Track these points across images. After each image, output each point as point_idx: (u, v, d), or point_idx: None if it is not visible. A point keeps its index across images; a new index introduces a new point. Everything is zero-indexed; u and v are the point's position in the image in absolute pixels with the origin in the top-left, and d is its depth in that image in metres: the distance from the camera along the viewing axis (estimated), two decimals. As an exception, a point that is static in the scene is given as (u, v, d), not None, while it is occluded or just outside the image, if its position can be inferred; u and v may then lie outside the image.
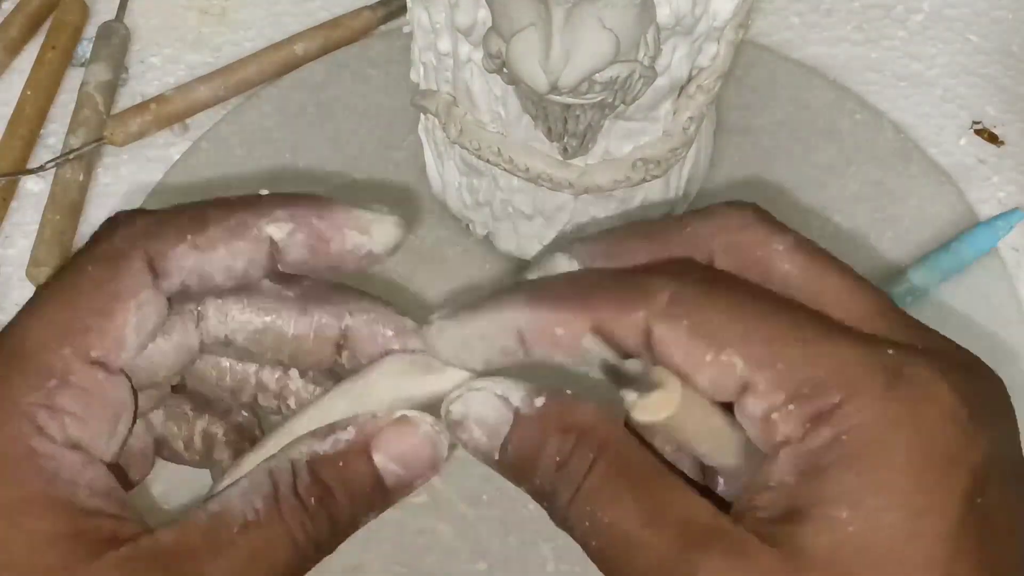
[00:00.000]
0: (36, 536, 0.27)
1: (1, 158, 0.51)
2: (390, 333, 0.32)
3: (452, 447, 0.30)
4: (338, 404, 0.31)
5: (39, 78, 0.53)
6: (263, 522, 0.28)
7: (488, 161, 0.42)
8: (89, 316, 0.28)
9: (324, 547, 0.29)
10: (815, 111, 0.52)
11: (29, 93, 0.53)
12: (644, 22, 0.35)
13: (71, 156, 0.50)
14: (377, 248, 0.31)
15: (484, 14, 0.37)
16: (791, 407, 0.26)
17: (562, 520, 0.28)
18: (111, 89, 0.53)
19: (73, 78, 0.54)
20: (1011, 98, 0.54)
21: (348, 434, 0.29)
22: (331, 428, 0.30)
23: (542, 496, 0.28)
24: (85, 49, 0.55)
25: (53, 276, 0.30)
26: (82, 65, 0.54)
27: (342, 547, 0.42)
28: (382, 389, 0.31)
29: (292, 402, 0.33)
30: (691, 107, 0.42)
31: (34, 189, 0.51)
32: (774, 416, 0.27)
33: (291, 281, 0.32)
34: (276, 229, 0.29)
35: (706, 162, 0.47)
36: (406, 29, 0.43)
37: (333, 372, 0.33)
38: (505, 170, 0.42)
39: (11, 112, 0.52)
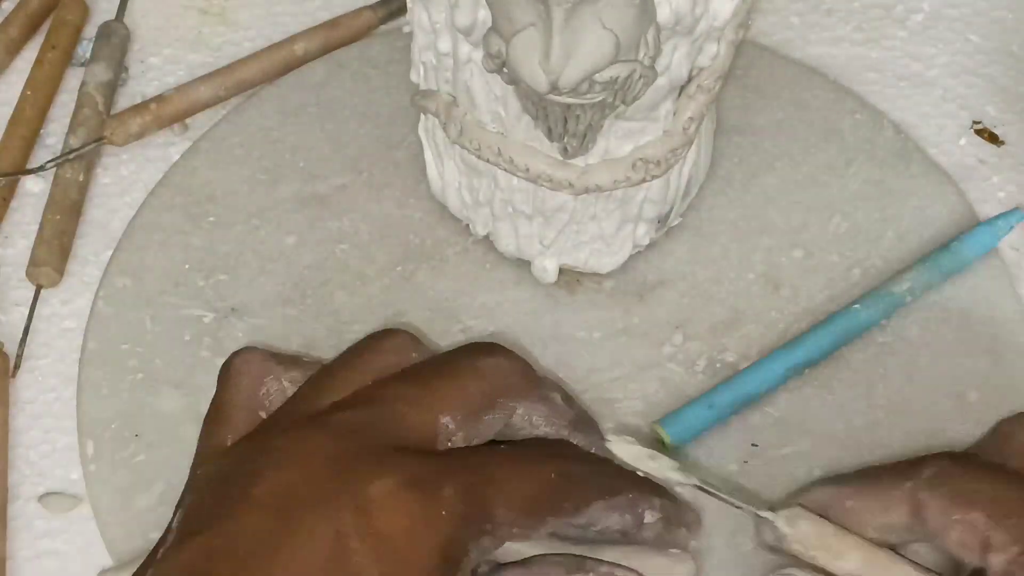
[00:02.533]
0: None
1: (1, 158, 0.51)
2: None
3: None
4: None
5: (39, 78, 0.53)
6: None
7: (488, 161, 0.42)
8: None
9: None
10: (815, 111, 0.52)
11: (29, 93, 0.53)
12: (644, 22, 0.35)
13: (71, 156, 0.50)
14: None
15: (484, 14, 0.37)
16: None
17: None
18: (111, 89, 0.53)
19: (73, 78, 0.54)
20: (1011, 98, 0.54)
21: None
22: None
23: None
24: (85, 49, 0.55)
25: None
26: (82, 65, 0.54)
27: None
28: None
29: None
30: (691, 107, 0.42)
31: (34, 189, 0.51)
32: (1012, 568, 0.32)
33: None
34: None
35: (706, 162, 0.47)
36: (406, 29, 0.43)
37: None
38: (505, 170, 0.42)
39: (11, 112, 0.52)
